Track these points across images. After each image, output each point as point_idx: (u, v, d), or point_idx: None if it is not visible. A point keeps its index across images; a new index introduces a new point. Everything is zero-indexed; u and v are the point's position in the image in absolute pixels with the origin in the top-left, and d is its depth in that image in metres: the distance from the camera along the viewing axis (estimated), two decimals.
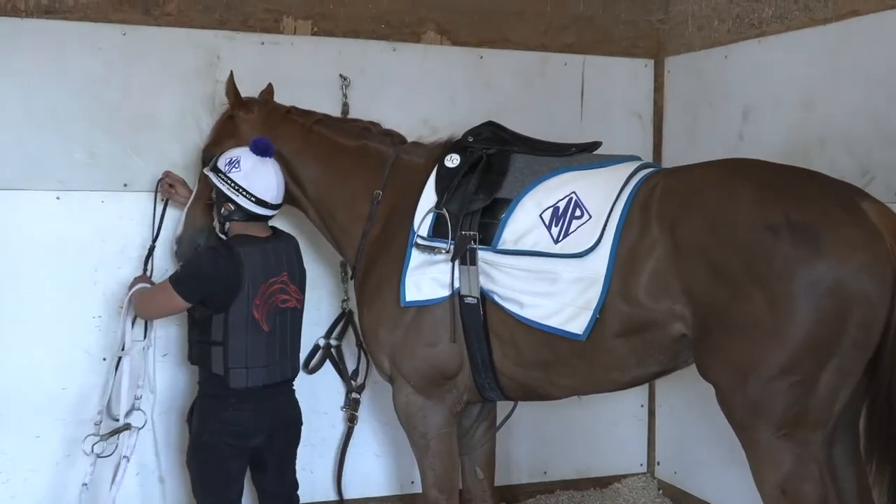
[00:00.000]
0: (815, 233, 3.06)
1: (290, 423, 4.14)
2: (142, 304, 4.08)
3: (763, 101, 4.60)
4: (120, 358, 4.16)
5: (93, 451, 4.04)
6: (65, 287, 4.40)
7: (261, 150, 3.95)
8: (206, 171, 3.99)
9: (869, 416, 3.23)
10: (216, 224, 4.04)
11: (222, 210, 3.97)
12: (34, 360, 4.37)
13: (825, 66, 4.26)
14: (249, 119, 4.16)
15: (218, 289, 3.87)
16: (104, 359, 4.44)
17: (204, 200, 4.15)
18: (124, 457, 4.06)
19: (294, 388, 4.16)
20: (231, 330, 3.87)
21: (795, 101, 4.41)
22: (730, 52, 4.82)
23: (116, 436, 4.09)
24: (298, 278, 4.10)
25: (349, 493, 4.88)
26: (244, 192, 3.90)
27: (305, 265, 4.18)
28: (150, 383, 4.26)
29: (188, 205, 4.20)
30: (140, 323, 4.22)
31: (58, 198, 4.38)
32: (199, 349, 3.98)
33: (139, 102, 4.48)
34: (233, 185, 3.90)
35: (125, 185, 4.47)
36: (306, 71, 4.67)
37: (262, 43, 4.64)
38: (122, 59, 4.45)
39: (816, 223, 3.08)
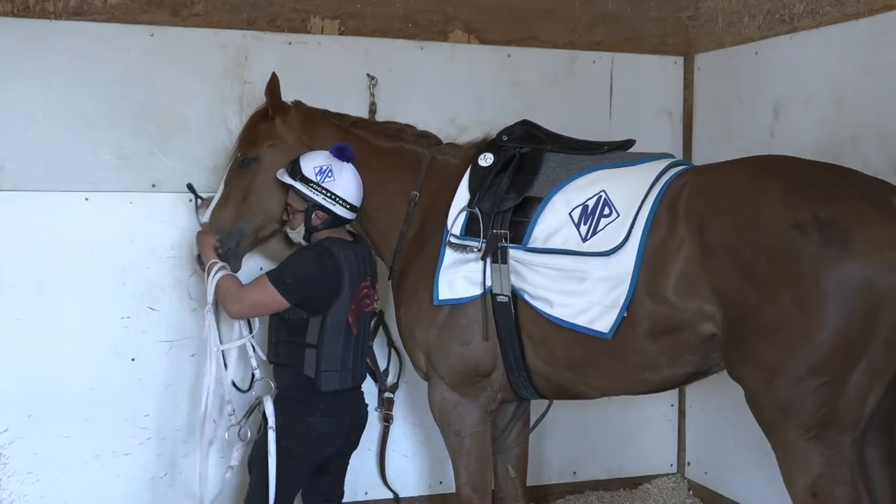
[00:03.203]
0: (843, 231, 3.03)
1: (361, 427, 4.16)
2: (232, 302, 3.93)
3: (794, 97, 4.57)
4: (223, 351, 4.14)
5: (238, 437, 4.13)
6: (94, 288, 4.44)
7: (346, 156, 3.98)
8: (294, 183, 3.92)
9: None
10: (299, 232, 4.01)
11: (313, 220, 3.97)
12: (63, 360, 4.42)
13: (857, 62, 4.22)
14: (288, 121, 4.17)
15: (320, 290, 3.88)
16: (133, 359, 4.49)
17: (234, 203, 4.14)
18: (270, 428, 4.00)
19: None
20: (328, 333, 3.89)
21: (827, 98, 4.38)
22: (760, 49, 4.79)
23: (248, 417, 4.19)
24: (374, 283, 4.16)
25: (376, 495, 4.90)
26: (340, 201, 3.93)
27: None
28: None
29: (211, 207, 4.18)
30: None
31: (87, 199, 4.42)
32: (288, 349, 3.96)
33: (167, 103, 4.53)
34: (329, 194, 3.92)
35: (153, 185, 4.51)
36: (333, 70, 4.70)
37: (290, 43, 4.67)
38: (150, 60, 4.49)
39: (845, 221, 3.05)
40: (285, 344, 3.98)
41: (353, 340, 3.98)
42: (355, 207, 4.00)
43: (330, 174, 3.92)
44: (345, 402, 4.01)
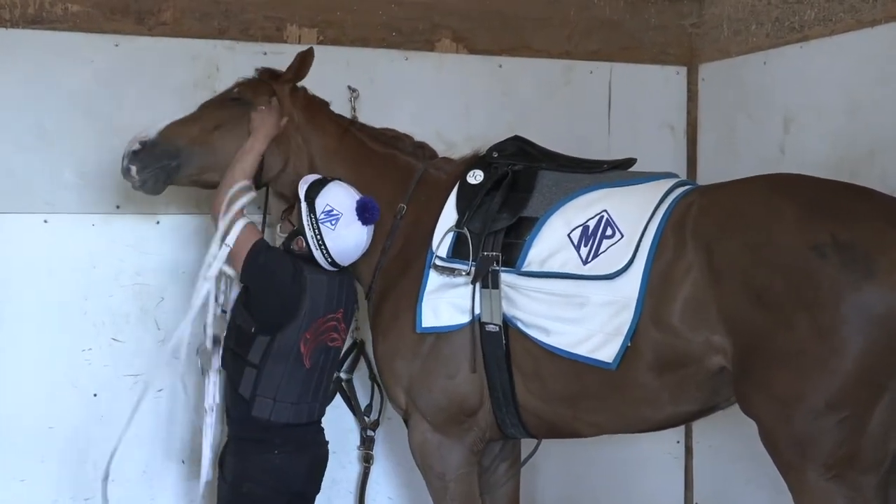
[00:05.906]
0: (864, 254, 3.03)
1: (323, 466, 4.10)
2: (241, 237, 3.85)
3: (806, 110, 4.58)
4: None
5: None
6: (52, 317, 4.39)
7: (366, 218, 3.86)
8: (302, 200, 3.86)
9: None
10: (282, 236, 4.00)
11: (293, 243, 3.90)
12: (19, 396, 4.34)
13: (873, 72, 4.24)
14: (296, 95, 4.14)
15: (271, 304, 3.82)
16: (94, 395, 4.44)
17: (201, 126, 4.02)
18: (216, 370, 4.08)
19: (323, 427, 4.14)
20: (272, 357, 3.82)
21: (841, 110, 4.39)
22: (769, 58, 4.81)
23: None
24: (349, 316, 4.08)
25: None
26: (324, 250, 3.84)
27: None
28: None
29: (176, 118, 4.04)
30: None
31: (46, 221, 4.37)
32: (232, 361, 3.94)
33: (133, 118, 4.41)
34: (317, 236, 3.82)
35: (118, 206, 4.46)
36: (312, 82, 4.57)
37: (265, 53, 4.62)
38: (115, 72, 4.45)
39: (866, 244, 3.05)
40: (231, 353, 3.94)
41: (303, 373, 3.88)
42: (337, 265, 3.90)
43: (333, 222, 3.81)
44: (303, 436, 3.93)
